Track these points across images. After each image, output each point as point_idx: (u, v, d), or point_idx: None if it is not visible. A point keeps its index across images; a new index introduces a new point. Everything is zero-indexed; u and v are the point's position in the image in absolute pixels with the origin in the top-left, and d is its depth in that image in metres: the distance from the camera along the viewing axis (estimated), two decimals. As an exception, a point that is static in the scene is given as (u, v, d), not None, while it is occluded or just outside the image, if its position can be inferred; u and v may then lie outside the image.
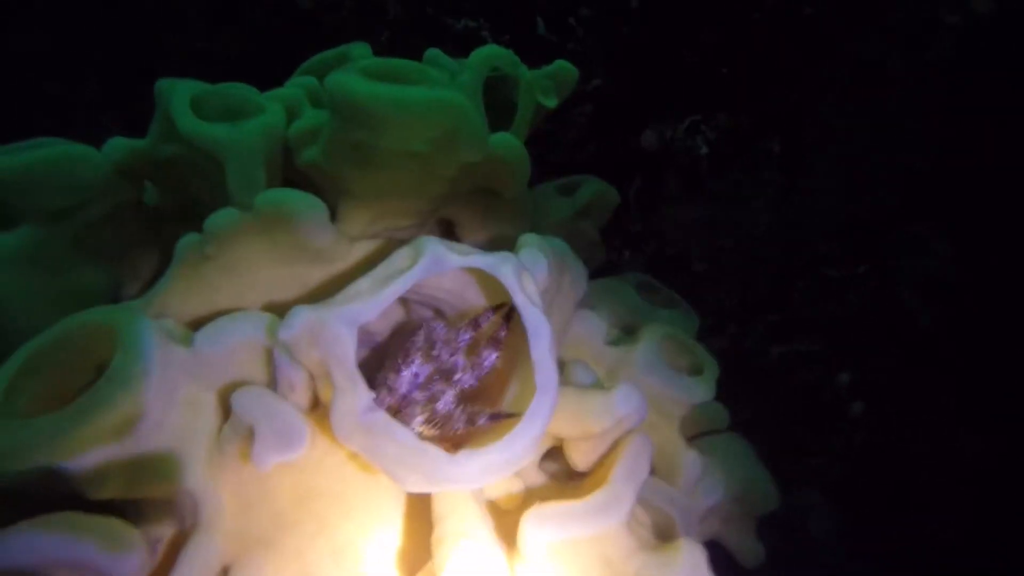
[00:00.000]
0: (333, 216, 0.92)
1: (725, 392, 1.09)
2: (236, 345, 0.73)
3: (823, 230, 1.28)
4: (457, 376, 0.75)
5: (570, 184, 1.23)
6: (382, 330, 0.92)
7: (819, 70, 1.24)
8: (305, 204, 0.83)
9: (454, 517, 0.69)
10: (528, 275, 0.77)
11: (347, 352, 0.67)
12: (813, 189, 1.24)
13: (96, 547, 0.66)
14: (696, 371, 1.09)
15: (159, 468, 0.72)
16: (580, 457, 0.79)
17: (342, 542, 0.80)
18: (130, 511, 0.80)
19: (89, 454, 0.69)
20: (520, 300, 0.72)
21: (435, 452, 0.64)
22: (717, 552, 1.14)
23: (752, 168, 1.29)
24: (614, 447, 0.80)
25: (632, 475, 0.75)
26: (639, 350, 1.03)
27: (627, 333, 1.06)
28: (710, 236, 1.33)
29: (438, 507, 0.71)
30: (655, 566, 0.70)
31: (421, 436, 0.75)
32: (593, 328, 1.04)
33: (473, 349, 0.75)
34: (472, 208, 1.05)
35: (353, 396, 0.66)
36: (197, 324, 0.86)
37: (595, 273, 1.27)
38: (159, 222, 1.09)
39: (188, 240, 0.88)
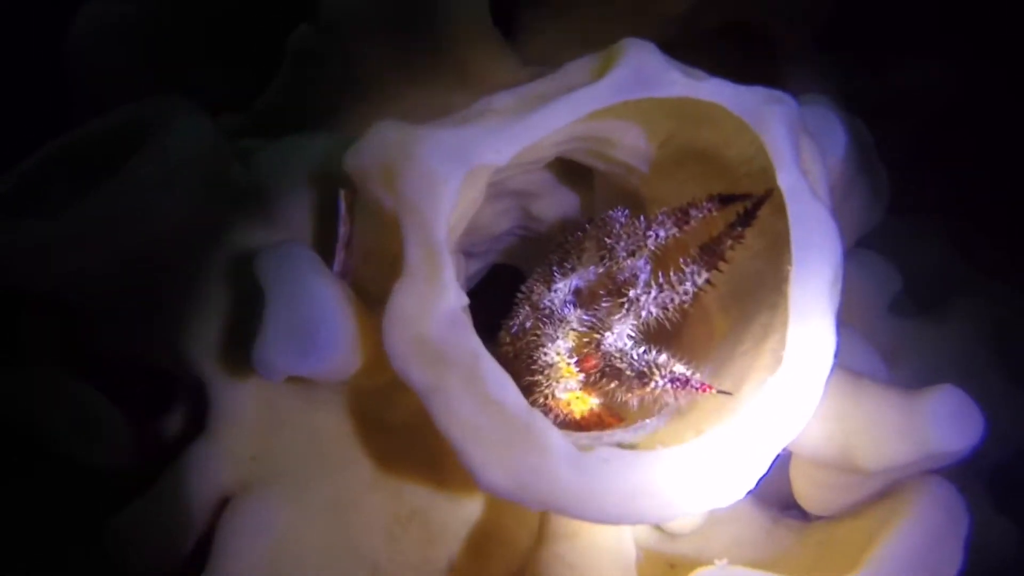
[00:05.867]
0: (510, 31, 0.61)
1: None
2: (304, 176, 0.46)
3: None
4: (634, 293, 0.44)
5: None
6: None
7: None
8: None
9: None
10: (812, 143, 0.40)
11: (436, 206, 0.36)
12: None
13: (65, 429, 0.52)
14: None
15: (164, 324, 0.48)
16: (818, 493, 0.45)
17: (408, 510, 0.53)
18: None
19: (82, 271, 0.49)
20: (791, 180, 0.36)
21: (546, 433, 0.32)
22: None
23: None
24: (890, 496, 0.44)
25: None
26: (949, 333, 0.62)
27: (924, 304, 0.71)
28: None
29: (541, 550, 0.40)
30: None
31: (556, 378, 0.46)
32: (876, 281, 0.65)
33: (671, 259, 0.46)
34: (716, 59, 0.68)
35: (428, 288, 0.36)
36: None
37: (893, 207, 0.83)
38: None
39: (299, 32, 0.62)
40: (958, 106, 0.82)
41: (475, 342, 0.35)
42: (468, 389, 0.33)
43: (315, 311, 0.39)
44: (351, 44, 0.61)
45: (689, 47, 0.70)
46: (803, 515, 0.53)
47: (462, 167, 0.37)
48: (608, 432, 0.42)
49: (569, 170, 0.62)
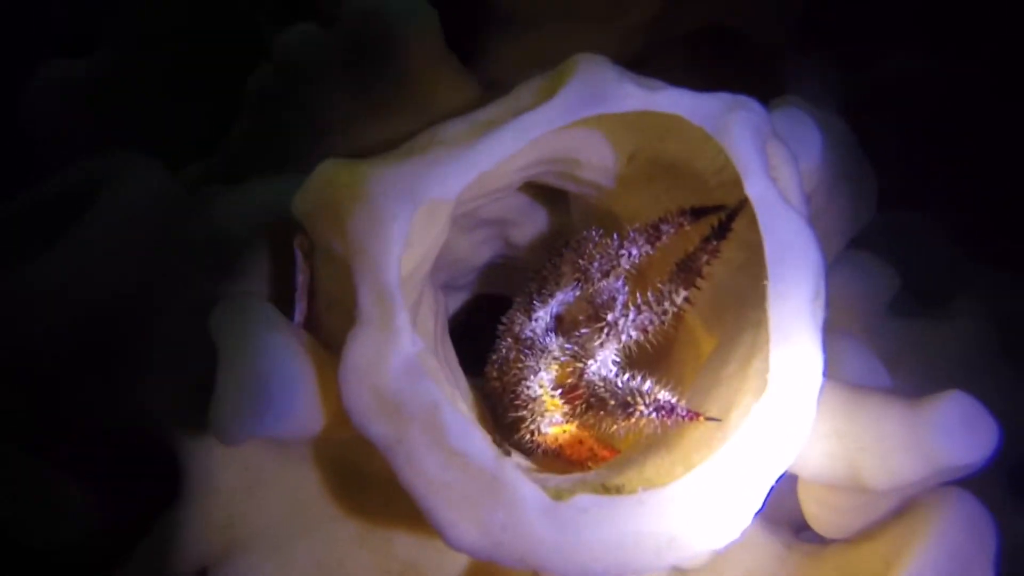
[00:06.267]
0: (468, 56, 0.59)
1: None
2: (261, 222, 0.44)
3: None
4: (612, 316, 0.42)
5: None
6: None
7: None
8: (408, 10, 0.50)
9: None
10: (782, 148, 0.38)
11: (384, 248, 0.34)
12: None
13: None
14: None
15: (126, 390, 0.46)
16: (829, 515, 0.43)
17: (398, 565, 0.50)
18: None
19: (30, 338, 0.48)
20: (759, 189, 0.34)
21: (516, 485, 0.30)
22: None
23: None
24: (907, 514, 0.41)
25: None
26: (953, 331, 0.60)
27: (926, 302, 0.68)
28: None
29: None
30: None
31: (541, 412, 0.45)
32: (873, 283, 0.62)
33: (648, 279, 0.46)
34: (695, 66, 0.66)
35: (381, 335, 0.33)
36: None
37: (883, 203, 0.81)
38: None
39: (258, 72, 0.61)
40: (949, 97, 0.80)
41: (434, 390, 0.32)
42: (429, 441, 0.31)
43: (266, 367, 0.36)
44: (308, 80, 0.59)
45: (664, 56, 0.68)
46: (818, 536, 0.50)
47: (409, 205, 0.35)
48: (593, 472, 0.40)
49: (545, 194, 0.61)
